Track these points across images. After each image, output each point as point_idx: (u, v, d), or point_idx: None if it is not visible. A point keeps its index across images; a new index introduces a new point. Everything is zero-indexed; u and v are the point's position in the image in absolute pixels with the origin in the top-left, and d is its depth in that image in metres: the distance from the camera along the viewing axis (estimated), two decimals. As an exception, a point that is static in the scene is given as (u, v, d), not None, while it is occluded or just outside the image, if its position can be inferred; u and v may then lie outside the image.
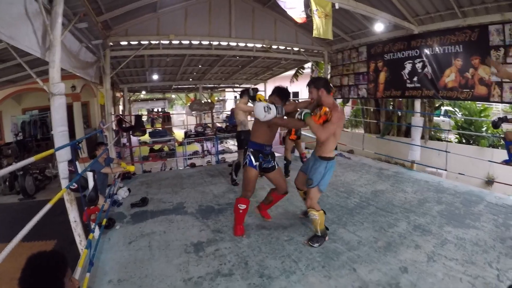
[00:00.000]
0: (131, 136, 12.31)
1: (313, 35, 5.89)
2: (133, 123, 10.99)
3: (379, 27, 8.15)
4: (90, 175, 4.18)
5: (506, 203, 5.35)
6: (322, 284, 3.24)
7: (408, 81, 8.23)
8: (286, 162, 7.24)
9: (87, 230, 4.07)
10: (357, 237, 4.28)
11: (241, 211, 4.30)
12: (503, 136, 5.73)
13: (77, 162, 3.96)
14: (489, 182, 9.01)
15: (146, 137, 15.30)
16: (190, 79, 16.33)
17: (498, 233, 4.30)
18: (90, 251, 3.67)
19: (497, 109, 15.17)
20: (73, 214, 3.93)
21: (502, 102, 6.68)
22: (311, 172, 4.04)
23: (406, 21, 7.83)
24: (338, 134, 3.96)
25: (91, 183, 4.19)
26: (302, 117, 3.72)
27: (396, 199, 5.63)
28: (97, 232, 4.21)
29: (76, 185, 3.74)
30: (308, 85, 4.08)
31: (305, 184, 4.25)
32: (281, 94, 4.33)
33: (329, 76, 11.25)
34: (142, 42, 8.54)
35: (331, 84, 4.28)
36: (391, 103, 12.83)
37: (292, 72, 16.59)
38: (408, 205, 5.39)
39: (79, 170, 3.93)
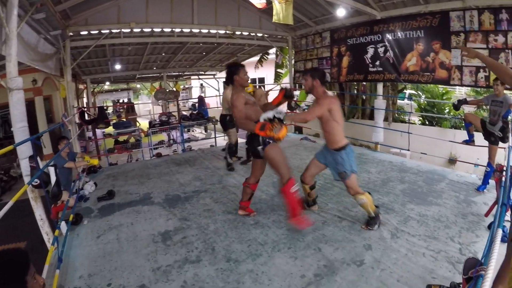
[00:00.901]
0: (96, 128, 12.04)
1: (273, 20, 5.90)
2: (96, 115, 10.73)
3: (341, 12, 8.22)
4: (52, 170, 4.05)
5: (468, 181, 5.56)
6: (288, 265, 3.29)
7: (371, 65, 8.40)
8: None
9: (55, 228, 3.97)
10: (322, 217, 4.35)
11: (296, 195, 3.79)
12: (463, 117, 5.95)
13: (38, 158, 3.83)
14: (452, 161, 9.37)
15: (110, 129, 15.00)
16: (154, 68, 15.96)
17: (460, 209, 4.46)
18: (58, 247, 3.58)
19: (460, 92, 15.71)
20: (38, 212, 3.83)
21: (462, 85, 6.93)
22: (338, 167, 3.97)
23: (368, 7, 7.92)
24: (339, 119, 3.88)
25: (53, 179, 4.07)
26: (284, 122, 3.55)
27: (360, 180, 5.64)
28: (64, 228, 4.10)
29: (38, 181, 3.62)
30: (305, 73, 4.12)
31: (314, 178, 4.39)
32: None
33: (293, 62, 11.34)
34: (103, 31, 8.27)
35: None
36: (355, 87, 13.04)
37: (256, 58, 16.52)
38: (372, 185, 5.52)
39: (41, 166, 3.80)
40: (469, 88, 12.88)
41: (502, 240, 2.01)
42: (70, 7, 6.88)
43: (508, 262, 2.16)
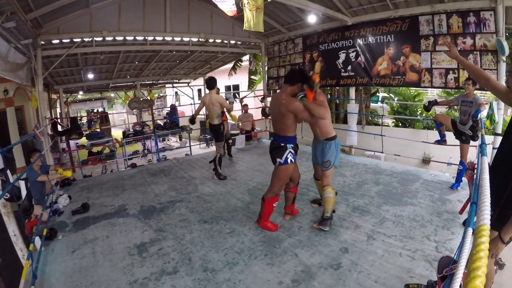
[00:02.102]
0: (69, 140, 11.74)
1: (244, 28, 5.88)
2: (69, 126, 10.46)
3: (312, 19, 8.29)
4: (22, 184, 3.90)
5: (441, 180, 5.67)
6: (265, 272, 3.25)
7: (343, 70, 8.52)
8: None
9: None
10: (298, 223, 4.35)
11: (274, 206, 4.19)
12: (434, 118, 6.07)
13: (8, 171, 3.69)
14: (426, 161, 9.55)
15: (84, 140, 14.66)
16: (128, 76, 15.73)
17: (435, 207, 4.53)
18: (33, 263, 3.44)
19: (432, 94, 16.08)
20: (11, 228, 3.70)
21: (432, 87, 7.06)
22: (325, 156, 4.26)
23: (340, 13, 8.05)
24: (329, 115, 4.24)
25: (23, 192, 3.92)
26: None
27: (335, 183, 5.72)
28: (38, 243, 3.96)
29: (9, 195, 3.48)
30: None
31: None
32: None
33: (266, 68, 11.35)
34: (75, 40, 8.08)
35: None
36: (329, 92, 13.15)
37: (230, 65, 16.50)
38: (347, 188, 5.55)
39: (11, 180, 3.66)
40: (440, 89, 13.21)
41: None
42: (41, 15, 6.67)
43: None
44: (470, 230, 1.66)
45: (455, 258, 1.99)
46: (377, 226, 4.06)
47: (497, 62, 5.90)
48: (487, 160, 2.29)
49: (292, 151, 3.97)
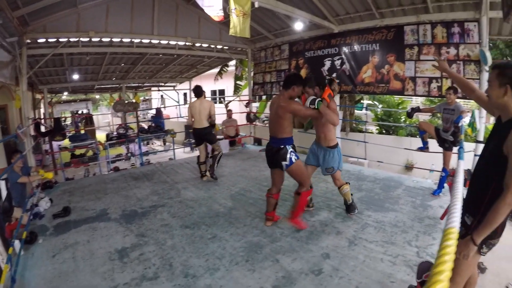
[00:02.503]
0: (52, 141, 11.54)
1: (230, 33, 5.88)
2: (52, 127, 10.27)
3: (299, 26, 8.34)
4: (3, 185, 3.82)
5: (423, 186, 5.74)
6: (246, 278, 3.23)
7: (328, 77, 8.53)
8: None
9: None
10: (280, 229, 4.33)
11: (307, 201, 4.45)
12: (418, 125, 6.16)
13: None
14: (408, 167, 9.66)
15: (67, 142, 14.45)
16: (113, 78, 15.55)
17: (416, 213, 4.58)
18: (12, 267, 3.37)
19: (416, 102, 16.33)
20: (-10, 231, 3.58)
21: (415, 95, 7.15)
22: (328, 163, 4.49)
23: (326, 21, 8.12)
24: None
25: (3, 193, 3.84)
26: (316, 106, 3.83)
27: (318, 190, 5.77)
28: (17, 246, 3.86)
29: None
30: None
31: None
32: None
33: (252, 74, 11.35)
34: (61, 40, 7.94)
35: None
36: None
37: (216, 70, 16.47)
38: (330, 195, 5.58)
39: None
40: (424, 97, 13.41)
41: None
42: (28, 13, 6.56)
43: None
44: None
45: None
46: (359, 232, 4.07)
47: (480, 71, 6.01)
48: (463, 164, 2.33)
49: (293, 150, 4.11)
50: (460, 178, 2.15)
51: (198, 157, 7.03)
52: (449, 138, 5.04)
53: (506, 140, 1.96)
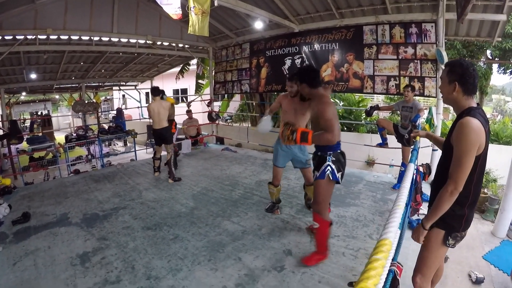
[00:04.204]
0: (9, 144, 11.02)
1: (188, 32, 5.83)
2: (8, 130, 9.79)
3: (259, 25, 8.36)
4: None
5: (384, 180, 5.91)
6: (209, 277, 3.22)
7: (288, 76, 8.59)
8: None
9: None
10: (242, 227, 4.35)
11: (327, 234, 3.39)
12: (376, 123, 6.33)
13: None
14: (369, 163, 9.90)
15: (25, 145, 13.84)
16: (73, 78, 15.01)
17: (377, 207, 4.72)
18: None
19: (378, 100, 16.77)
20: None
21: (374, 93, 7.32)
22: (307, 154, 4.43)
23: (287, 20, 8.19)
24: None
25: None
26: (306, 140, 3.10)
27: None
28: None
29: None
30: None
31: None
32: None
33: (213, 73, 11.30)
34: (18, 37, 7.58)
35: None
36: (276, 97, 13.28)
37: (178, 68, 16.27)
38: (291, 191, 5.65)
39: None
40: (384, 95, 13.78)
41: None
42: (-16, 10, 6.21)
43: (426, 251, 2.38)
44: (398, 232, 1.75)
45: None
46: (321, 227, 4.13)
47: (436, 70, 6.25)
48: (412, 169, 2.44)
49: (333, 166, 3.22)
50: (407, 183, 2.23)
51: (155, 152, 7.12)
52: (406, 135, 5.19)
53: (453, 133, 2.10)
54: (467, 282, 4.23)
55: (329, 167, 3.20)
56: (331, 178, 3.19)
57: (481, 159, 2.11)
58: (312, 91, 3.37)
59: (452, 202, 2.08)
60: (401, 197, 1.89)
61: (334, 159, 3.24)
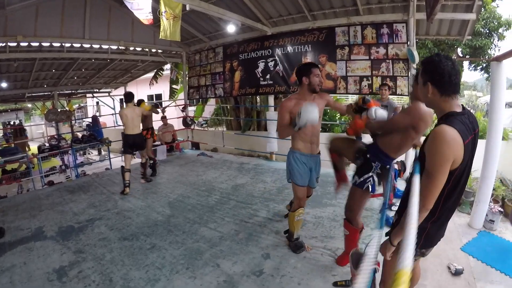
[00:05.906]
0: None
1: (160, 37, 5.79)
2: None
3: (232, 29, 8.36)
4: None
5: (361, 179, 5.94)
6: (188, 286, 3.18)
7: (262, 79, 8.69)
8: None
9: None
10: (219, 233, 4.32)
11: (356, 239, 3.29)
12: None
13: None
14: (346, 163, 9.99)
15: (-3, 157, 13.40)
16: (45, 86, 14.59)
17: (354, 206, 4.73)
18: None
19: (353, 100, 16.98)
20: None
21: (347, 93, 7.43)
22: (319, 171, 3.95)
23: (260, 23, 8.23)
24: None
25: None
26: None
27: (256, 191, 5.87)
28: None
29: None
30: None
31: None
32: None
33: (187, 78, 11.25)
34: (-13, 45, 7.37)
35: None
36: (250, 100, 13.26)
37: (151, 74, 16.10)
38: (268, 194, 5.67)
39: None
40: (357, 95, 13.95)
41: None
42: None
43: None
44: (379, 232, 1.75)
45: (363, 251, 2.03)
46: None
47: (408, 69, 6.39)
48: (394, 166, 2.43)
49: (375, 178, 3.00)
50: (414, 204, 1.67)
51: (123, 166, 6.68)
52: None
53: (426, 141, 1.87)
54: (447, 274, 4.29)
55: (371, 180, 2.99)
56: (370, 191, 3.03)
57: (455, 174, 1.85)
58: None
59: (422, 219, 1.85)
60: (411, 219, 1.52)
61: (379, 172, 2.99)
